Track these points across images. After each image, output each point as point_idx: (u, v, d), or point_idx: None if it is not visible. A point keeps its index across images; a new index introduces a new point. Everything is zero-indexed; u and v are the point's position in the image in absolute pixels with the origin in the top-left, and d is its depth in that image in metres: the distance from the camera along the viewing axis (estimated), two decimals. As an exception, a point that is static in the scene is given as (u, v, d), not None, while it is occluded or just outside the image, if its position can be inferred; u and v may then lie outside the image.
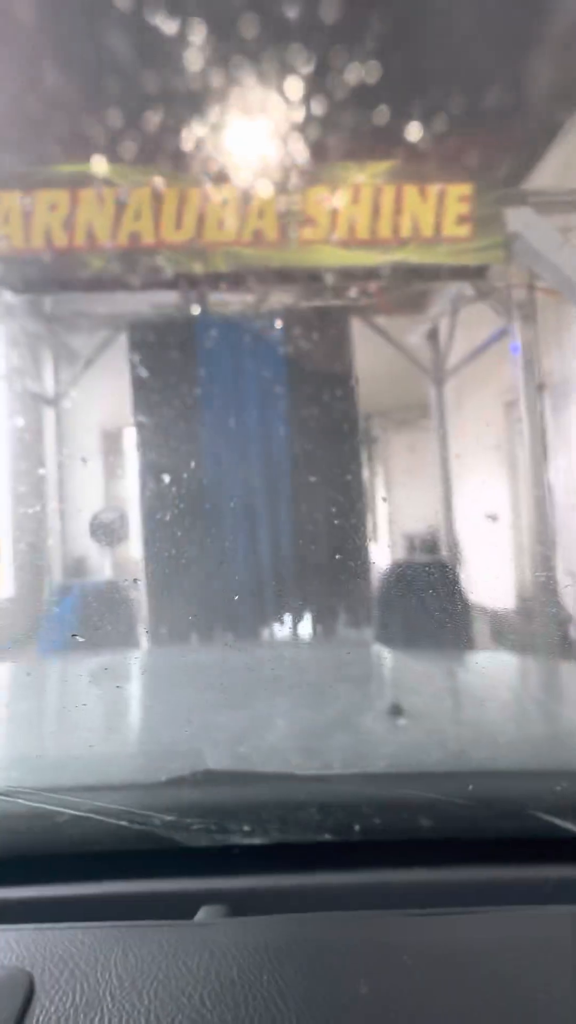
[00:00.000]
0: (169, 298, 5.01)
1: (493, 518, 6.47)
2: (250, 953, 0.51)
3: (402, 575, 4.87)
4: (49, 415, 5.88)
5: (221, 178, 2.88)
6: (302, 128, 2.94)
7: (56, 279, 2.89)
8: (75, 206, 2.88)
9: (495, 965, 0.50)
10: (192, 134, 2.81)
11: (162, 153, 2.83)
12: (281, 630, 4.11)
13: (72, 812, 0.63)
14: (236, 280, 2.98)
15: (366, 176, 3.00)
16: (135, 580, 4.82)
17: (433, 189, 2.99)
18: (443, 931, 0.54)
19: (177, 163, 2.82)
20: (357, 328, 4.72)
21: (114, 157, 2.81)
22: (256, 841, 0.63)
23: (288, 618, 4.19)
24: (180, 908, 0.58)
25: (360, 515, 4.24)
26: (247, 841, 0.63)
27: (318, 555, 4.19)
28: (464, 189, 3.00)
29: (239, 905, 0.59)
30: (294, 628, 4.15)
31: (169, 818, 0.62)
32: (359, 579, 4.14)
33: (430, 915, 0.56)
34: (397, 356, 5.86)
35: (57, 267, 2.88)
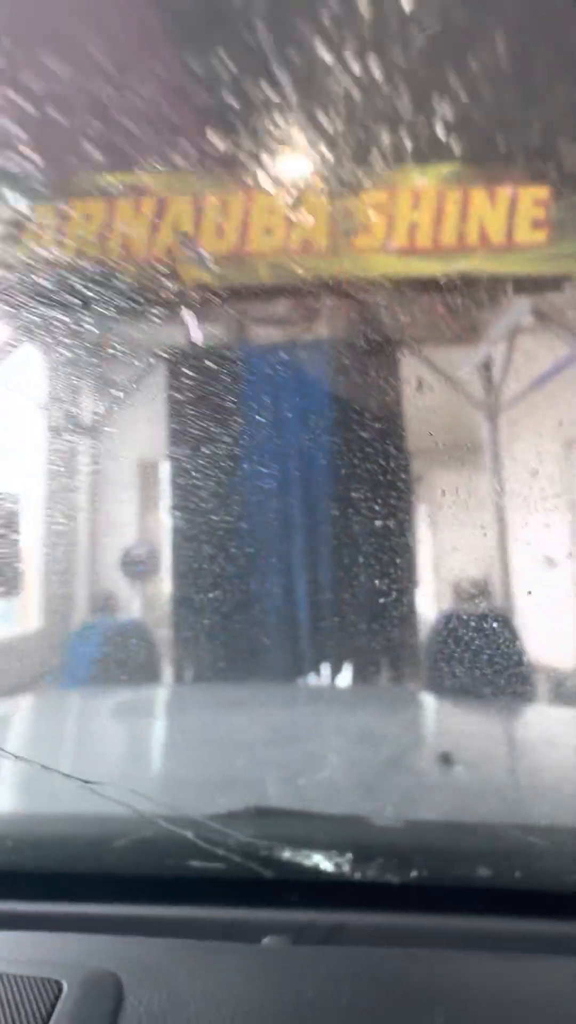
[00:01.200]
0: (210, 327, 4.85)
1: (551, 563, 6.04)
2: (317, 981, 0.54)
3: (451, 623, 4.56)
4: (84, 445, 5.72)
5: (266, 182, 2.65)
6: (356, 126, 2.70)
7: (90, 292, 2.67)
8: (111, 216, 2.68)
9: (552, 1012, 0.52)
10: (234, 135, 2.60)
11: (202, 158, 2.63)
12: (321, 675, 3.92)
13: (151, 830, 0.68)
14: (283, 292, 2.71)
15: (428, 178, 2.72)
16: (164, 620, 4.66)
17: (504, 192, 2.68)
18: (501, 974, 0.55)
19: (218, 168, 2.61)
20: (406, 357, 4.48)
21: (152, 164, 2.62)
22: (318, 878, 0.65)
23: (328, 663, 3.98)
24: (246, 936, 0.61)
25: (407, 558, 4.00)
26: (309, 877, 0.65)
27: (362, 598, 3.97)
28: (539, 192, 2.68)
29: (300, 937, 0.61)
30: (335, 673, 3.94)
31: (235, 849, 0.65)
32: (405, 625, 3.88)
33: (486, 958, 0.57)
34: (448, 387, 5.55)
35: (91, 279, 2.67)
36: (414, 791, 0.95)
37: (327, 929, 0.62)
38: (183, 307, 3.00)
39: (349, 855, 0.66)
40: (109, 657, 4.27)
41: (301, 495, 3.98)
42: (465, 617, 4.29)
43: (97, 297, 2.78)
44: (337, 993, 0.52)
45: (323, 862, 0.66)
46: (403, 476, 4.01)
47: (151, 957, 0.56)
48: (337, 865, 0.65)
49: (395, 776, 1.00)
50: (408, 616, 4.00)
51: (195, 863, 0.66)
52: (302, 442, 4.02)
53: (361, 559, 3.94)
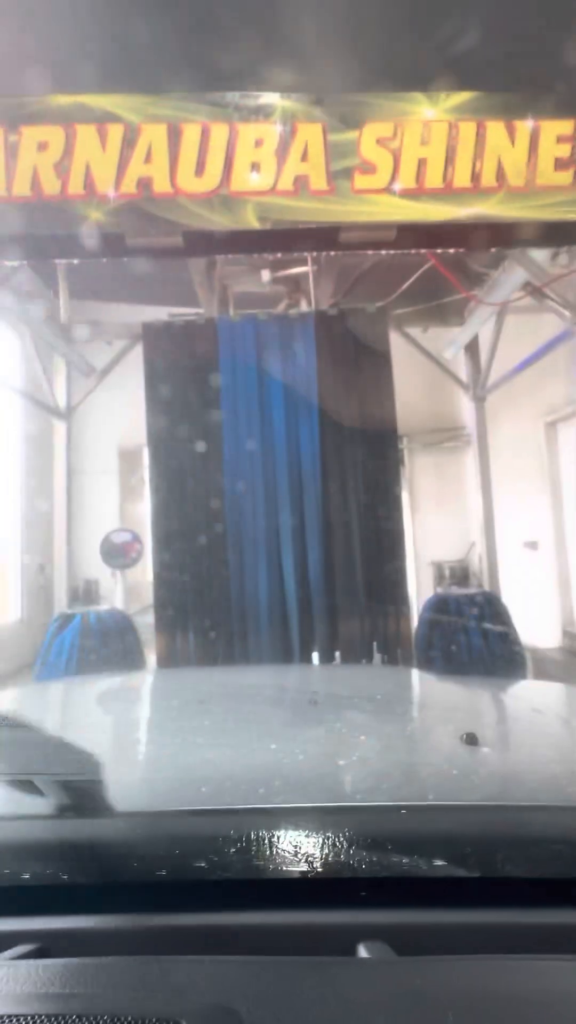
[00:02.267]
0: (189, 299, 4.50)
1: (532, 546, 6.00)
2: (420, 996, 0.50)
3: (436, 605, 4.50)
4: (60, 429, 5.37)
5: (255, 111, 2.29)
6: (357, 49, 2.34)
7: (46, 236, 2.31)
8: (71, 145, 2.31)
9: None
10: (219, 56, 2.24)
11: (180, 80, 2.26)
12: (310, 660, 3.80)
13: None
14: (272, 239, 2.36)
15: (439, 110, 2.38)
16: (147, 607, 4.51)
17: (524, 127, 2.35)
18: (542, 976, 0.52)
19: (199, 92, 2.25)
20: (394, 334, 4.28)
21: (120, 85, 2.25)
22: (402, 874, 0.62)
23: (317, 648, 3.88)
24: (338, 946, 0.58)
25: (394, 540, 3.89)
26: (387, 874, 0.62)
27: (348, 580, 3.84)
28: (565, 126, 2.36)
29: (396, 941, 0.58)
30: (324, 658, 3.83)
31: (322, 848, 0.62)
32: (392, 607, 3.75)
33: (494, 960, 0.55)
34: (434, 368, 5.32)
35: (47, 221, 2.30)
36: (446, 779, 0.91)
37: (421, 931, 0.57)
38: (161, 259, 2.64)
39: (435, 848, 0.62)
40: (88, 647, 4.07)
41: (287, 478, 3.77)
42: (447, 599, 4.19)
43: (58, 246, 2.42)
44: (458, 1011, 0.48)
45: (408, 857, 0.62)
46: (391, 457, 3.81)
47: (263, 981, 0.50)
48: (421, 858, 0.61)
49: (404, 763, 0.96)
50: (397, 598, 3.89)
51: (276, 865, 0.61)
52: (288, 422, 3.80)
53: (349, 541, 3.82)
